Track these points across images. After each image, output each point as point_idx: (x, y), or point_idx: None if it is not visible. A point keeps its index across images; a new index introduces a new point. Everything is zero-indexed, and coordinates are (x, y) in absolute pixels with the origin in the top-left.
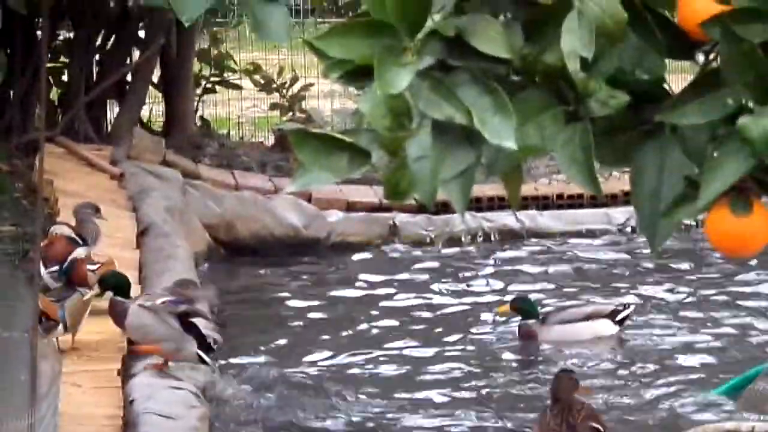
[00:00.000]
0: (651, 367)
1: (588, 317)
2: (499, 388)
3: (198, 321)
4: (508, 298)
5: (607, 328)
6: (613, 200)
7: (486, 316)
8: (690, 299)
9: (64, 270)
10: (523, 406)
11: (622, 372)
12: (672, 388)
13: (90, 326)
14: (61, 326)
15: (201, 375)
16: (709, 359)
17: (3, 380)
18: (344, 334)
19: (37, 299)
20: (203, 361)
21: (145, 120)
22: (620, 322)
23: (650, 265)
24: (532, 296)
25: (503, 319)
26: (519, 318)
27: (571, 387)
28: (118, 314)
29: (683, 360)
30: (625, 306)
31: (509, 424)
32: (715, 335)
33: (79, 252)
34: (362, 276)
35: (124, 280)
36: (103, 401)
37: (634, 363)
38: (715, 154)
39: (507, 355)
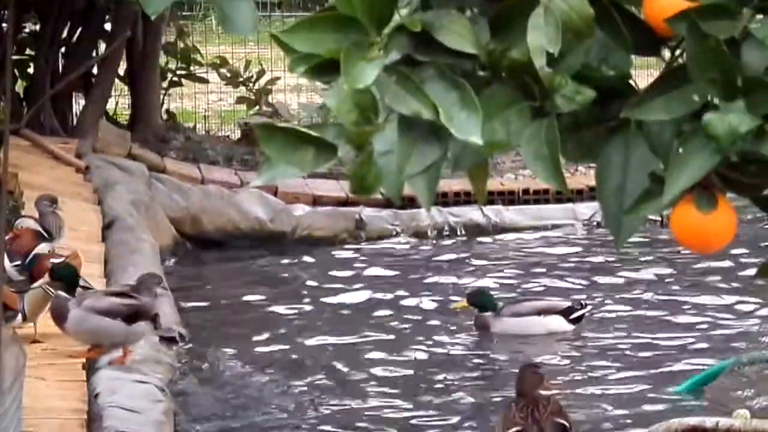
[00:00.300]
0: (612, 363)
1: (541, 312)
2: (457, 381)
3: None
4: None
5: (561, 324)
6: (578, 195)
7: (445, 310)
8: (652, 294)
9: (27, 264)
10: (479, 399)
11: (582, 367)
12: (635, 385)
13: None
14: (20, 316)
15: (165, 369)
16: (672, 354)
17: None
18: (308, 328)
19: (1, 291)
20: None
21: (110, 113)
22: (575, 320)
23: (613, 261)
24: (495, 292)
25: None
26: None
27: (536, 381)
28: (58, 316)
29: (645, 356)
30: (582, 305)
31: (469, 419)
32: (679, 330)
33: (42, 247)
34: (327, 270)
35: (74, 272)
36: (68, 395)
37: (595, 359)
38: (680, 150)
39: (460, 349)
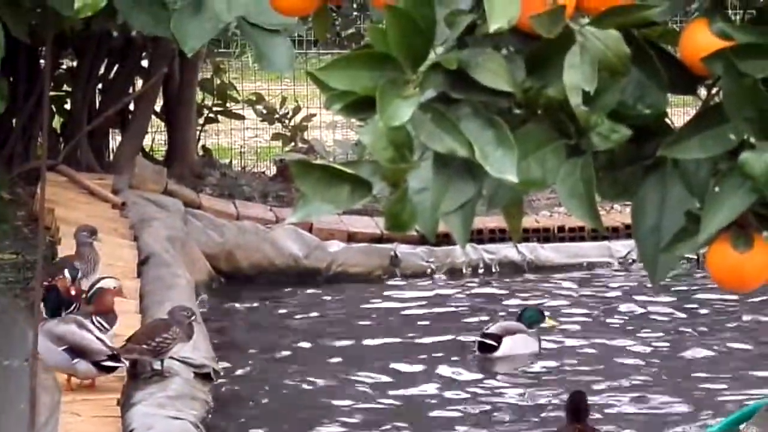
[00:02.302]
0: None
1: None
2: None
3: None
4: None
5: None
6: (614, 233)
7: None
8: (689, 328)
9: (89, 297)
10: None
11: (619, 397)
12: (670, 425)
13: None
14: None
15: (200, 405)
16: (709, 391)
17: (2, 409)
18: (343, 364)
19: (37, 328)
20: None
21: (147, 149)
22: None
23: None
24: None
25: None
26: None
27: (585, 409)
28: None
29: (678, 394)
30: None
31: None
32: (715, 367)
33: (108, 283)
34: (362, 306)
35: (55, 296)
36: (103, 430)
37: (630, 390)
38: (716, 189)
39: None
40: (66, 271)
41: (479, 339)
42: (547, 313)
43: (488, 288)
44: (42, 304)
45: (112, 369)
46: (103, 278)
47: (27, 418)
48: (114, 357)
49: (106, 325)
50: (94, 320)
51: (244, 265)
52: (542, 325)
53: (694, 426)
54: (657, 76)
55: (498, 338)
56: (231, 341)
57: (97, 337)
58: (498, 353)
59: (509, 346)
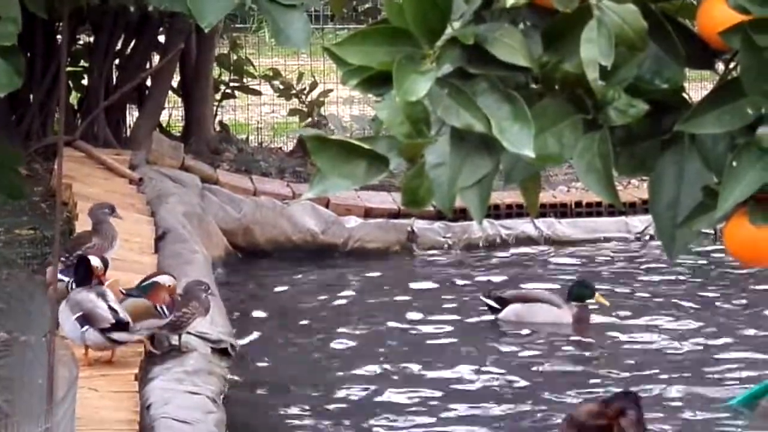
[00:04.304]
0: (663, 375)
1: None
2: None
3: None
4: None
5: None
6: (631, 208)
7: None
8: (707, 305)
9: (143, 288)
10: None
11: (641, 376)
12: (689, 396)
13: None
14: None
15: (217, 380)
16: (729, 367)
17: (21, 384)
18: (359, 340)
19: (54, 303)
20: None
21: (164, 125)
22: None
23: (665, 271)
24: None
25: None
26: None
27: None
28: None
29: (701, 366)
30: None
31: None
32: (737, 341)
33: (164, 279)
34: (379, 282)
35: (85, 265)
36: (120, 406)
37: (650, 369)
38: (733, 164)
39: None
40: (98, 260)
41: (486, 299)
42: (598, 292)
43: (505, 263)
44: (72, 275)
45: (122, 342)
46: (161, 273)
47: (45, 393)
48: (121, 327)
49: (166, 312)
50: (159, 307)
51: (261, 240)
52: (589, 301)
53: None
54: (674, 51)
55: (504, 302)
56: (248, 316)
57: (110, 306)
58: (501, 315)
59: (514, 311)
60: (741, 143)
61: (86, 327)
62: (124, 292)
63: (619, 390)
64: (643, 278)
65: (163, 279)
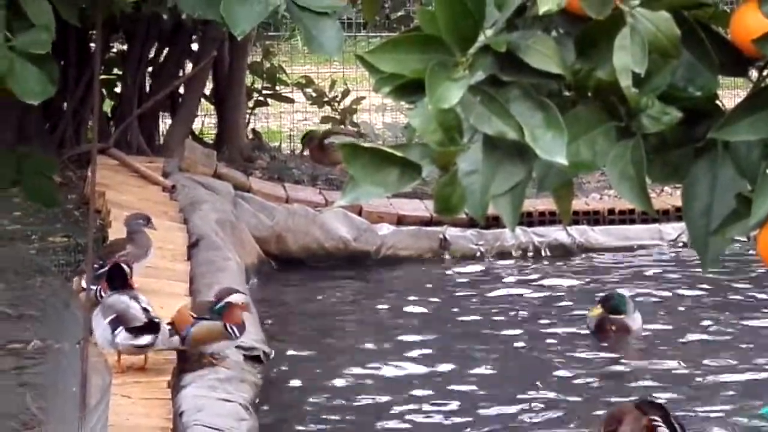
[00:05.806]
0: (696, 381)
1: None
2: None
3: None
4: (557, 310)
5: None
6: (664, 216)
7: (536, 326)
8: (737, 313)
9: (217, 309)
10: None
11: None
12: (721, 409)
13: None
14: (177, 338)
15: (250, 387)
16: (759, 375)
17: (55, 391)
18: (392, 347)
19: (88, 310)
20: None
21: (197, 132)
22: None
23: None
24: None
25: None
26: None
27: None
28: None
29: (733, 378)
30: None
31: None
32: (766, 351)
33: (237, 298)
34: (411, 289)
35: (120, 272)
36: (153, 413)
37: (684, 377)
38: (767, 171)
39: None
40: (239, 297)
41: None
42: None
43: (539, 272)
44: (106, 280)
45: (149, 345)
46: (233, 292)
47: (78, 400)
48: (153, 328)
49: (237, 332)
50: (228, 327)
51: (294, 248)
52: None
53: None
54: (708, 58)
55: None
56: (281, 323)
57: (143, 308)
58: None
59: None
60: None
61: (119, 328)
62: (195, 316)
63: (649, 399)
64: (675, 286)
65: (236, 298)
